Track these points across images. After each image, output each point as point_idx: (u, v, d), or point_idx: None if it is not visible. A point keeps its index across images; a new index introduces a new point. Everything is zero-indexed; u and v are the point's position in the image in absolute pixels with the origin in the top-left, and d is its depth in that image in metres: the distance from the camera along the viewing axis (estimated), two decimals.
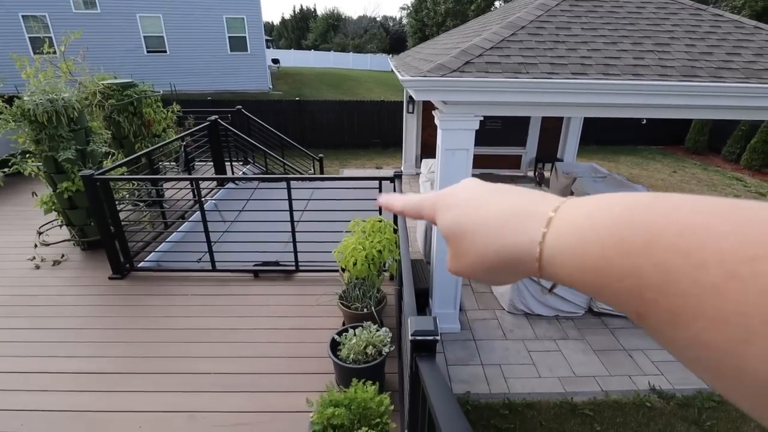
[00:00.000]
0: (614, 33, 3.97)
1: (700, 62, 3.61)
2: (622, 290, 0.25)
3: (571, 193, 7.50)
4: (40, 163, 4.51)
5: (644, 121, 12.95)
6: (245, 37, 18.13)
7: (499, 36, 3.85)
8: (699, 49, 3.78)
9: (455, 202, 0.41)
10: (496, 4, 28.91)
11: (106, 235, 4.15)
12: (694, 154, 13.29)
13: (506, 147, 9.95)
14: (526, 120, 9.71)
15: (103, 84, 5.44)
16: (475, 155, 3.93)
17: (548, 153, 9.94)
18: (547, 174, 9.22)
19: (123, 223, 4.32)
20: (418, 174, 9.24)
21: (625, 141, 14.05)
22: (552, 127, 9.77)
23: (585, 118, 9.32)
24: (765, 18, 15.43)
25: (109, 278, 4.24)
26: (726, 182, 10.74)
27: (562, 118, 9.56)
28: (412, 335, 1.39)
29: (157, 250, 4.82)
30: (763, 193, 9.83)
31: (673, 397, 3.99)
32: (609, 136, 13.73)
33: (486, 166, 9.64)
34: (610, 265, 0.26)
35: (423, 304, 4.81)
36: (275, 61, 26.43)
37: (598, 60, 3.59)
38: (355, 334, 2.80)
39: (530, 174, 9.88)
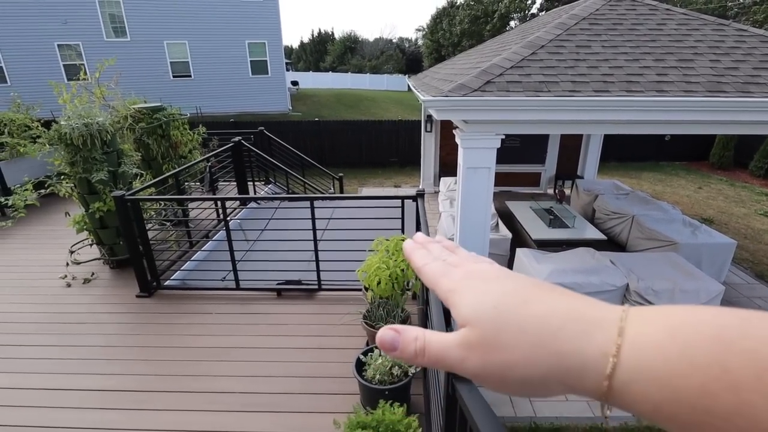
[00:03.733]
0: (636, 50, 3.96)
1: (726, 77, 3.56)
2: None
3: (593, 211, 7.39)
4: (74, 184, 4.69)
5: (668, 137, 12.74)
6: (266, 60, 18.76)
7: (519, 55, 3.88)
8: (724, 64, 3.74)
9: (488, 287, 0.34)
10: (512, 24, 29.23)
11: (135, 254, 4.26)
12: (720, 170, 12.96)
13: (525, 165, 9.91)
14: (545, 137, 9.67)
15: (134, 108, 5.67)
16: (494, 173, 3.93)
17: (568, 170, 9.84)
18: (567, 191, 9.11)
19: (150, 242, 4.43)
20: (436, 192, 9.24)
21: (647, 157, 13.80)
22: (572, 145, 9.69)
23: (605, 134, 9.22)
24: None
25: (137, 296, 4.33)
26: (755, 198, 10.40)
27: (581, 136, 9.48)
28: None
29: (182, 268, 4.91)
30: None
31: None
32: (630, 153, 13.52)
33: (505, 184, 9.59)
34: (716, 401, 0.22)
35: (447, 321, 4.74)
36: (294, 83, 27.16)
37: (620, 77, 3.58)
38: (380, 354, 2.78)
39: (550, 192, 9.77)
